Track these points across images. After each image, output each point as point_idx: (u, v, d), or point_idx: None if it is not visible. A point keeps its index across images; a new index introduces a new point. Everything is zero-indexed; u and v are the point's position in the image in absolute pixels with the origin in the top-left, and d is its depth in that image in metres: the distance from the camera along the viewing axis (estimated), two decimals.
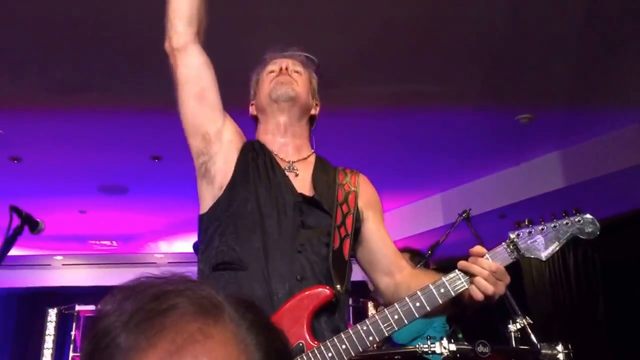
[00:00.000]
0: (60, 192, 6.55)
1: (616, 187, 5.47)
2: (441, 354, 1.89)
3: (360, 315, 7.52)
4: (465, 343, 1.96)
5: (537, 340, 2.25)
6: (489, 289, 1.48)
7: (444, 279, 1.51)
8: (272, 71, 1.87)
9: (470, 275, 1.50)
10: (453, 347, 1.91)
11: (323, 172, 1.83)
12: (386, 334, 1.47)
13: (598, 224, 1.60)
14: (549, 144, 5.59)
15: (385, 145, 5.51)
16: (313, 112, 1.95)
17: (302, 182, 1.76)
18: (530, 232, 1.57)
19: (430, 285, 1.50)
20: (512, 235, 1.56)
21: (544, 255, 1.55)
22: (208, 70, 1.76)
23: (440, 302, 1.49)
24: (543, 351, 2.10)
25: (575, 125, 5.15)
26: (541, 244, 1.55)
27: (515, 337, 2.39)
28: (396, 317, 1.48)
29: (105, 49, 3.75)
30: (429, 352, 1.89)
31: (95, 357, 0.56)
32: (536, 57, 4.02)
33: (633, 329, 5.86)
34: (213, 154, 1.70)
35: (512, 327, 2.34)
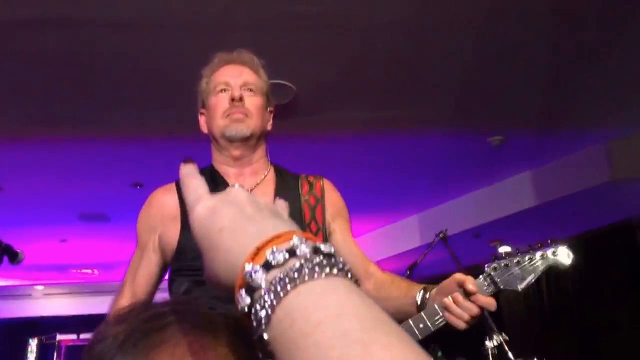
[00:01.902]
0: (41, 221, 6.45)
1: (585, 204, 5.56)
2: None
3: None
4: None
5: (513, 356, 2.26)
6: (462, 326, 1.46)
7: (422, 313, 1.50)
8: (223, 90, 1.77)
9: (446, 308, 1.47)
10: None
11: (285, 189, 1.76)
12: None
13: (572, 256, 1.57)
14: (519, 165, 5.67)
15: (362, 170, 5.54)
16: (268, 127, 1.84)
17: None
18: (507, 265, 1.55)
19: (410, 321, 1.49)
20: (488, 269, 1.54)
21: (520, 287, 1.54)
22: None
23: (420, 337, 1.47)
24: None
25: (545, 145, 5.24)
26: (518, 277, 1.54)
27: (492, 354, 2.40)
28: None
29: (86, 81, 3.74)
30: None
31: None
32: (505, 82, 4.10)
33: (607, 341, 5.91)
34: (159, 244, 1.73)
35: (489, 344, 2.35)
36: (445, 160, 5.43)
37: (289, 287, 0.41)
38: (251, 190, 1.72)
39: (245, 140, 1.72)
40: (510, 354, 2.25)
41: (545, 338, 6.40)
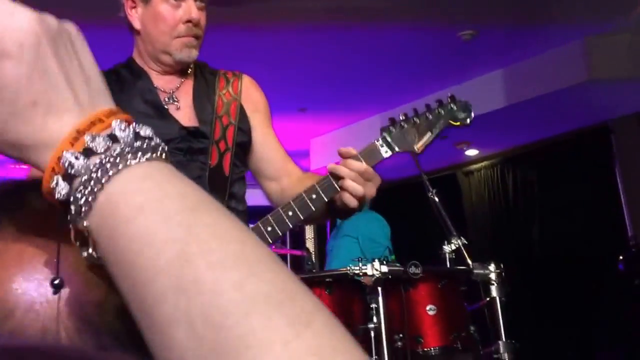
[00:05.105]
0: None
1: (557, 105, 5.64)
2: (372, 275, 1.94)
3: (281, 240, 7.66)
4: (398, 264, 2.02)
5: (471, 261, 2.34)
6: (359, 190, 1.51)
7: (315, 183, 1.55)
8: (175, 3, 1.69)
9: (339, 178, 1.53)
10: (385, 268, 1.95)
11: (204, 88, 1.83)
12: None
13: (471, 108, 1.66)
14: (491, 62, 5.66)
15: (319, 65, 5.45)
16: None
17: (185, 111, 1.77)
18: (402, 126, 1.60)
19: (303, 193, 1.55)
20: (383, 132, 1.59)
21: (416, 147, 1.58)
22: None
23: (313, 209, 1.54)
24: (475, 271, 2.19)
25: (518, 42, 5.23)
26: (414, 136, 1.58)
27: (450, 258, 2.47)
28: (269, 228, 1.54)
29: None
30: (360, 274, 1.94)
31: None
32: None
33: (564, 250, 6.21)
34: None
35: (447, 248, 2.41)
36: (411, 55, 5.38)
37: (110, 172, 0.42)
38: (173, 92, 1.79)
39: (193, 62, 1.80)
40: (468, 259, 2.32)
41: (507, 246, 6.68)
